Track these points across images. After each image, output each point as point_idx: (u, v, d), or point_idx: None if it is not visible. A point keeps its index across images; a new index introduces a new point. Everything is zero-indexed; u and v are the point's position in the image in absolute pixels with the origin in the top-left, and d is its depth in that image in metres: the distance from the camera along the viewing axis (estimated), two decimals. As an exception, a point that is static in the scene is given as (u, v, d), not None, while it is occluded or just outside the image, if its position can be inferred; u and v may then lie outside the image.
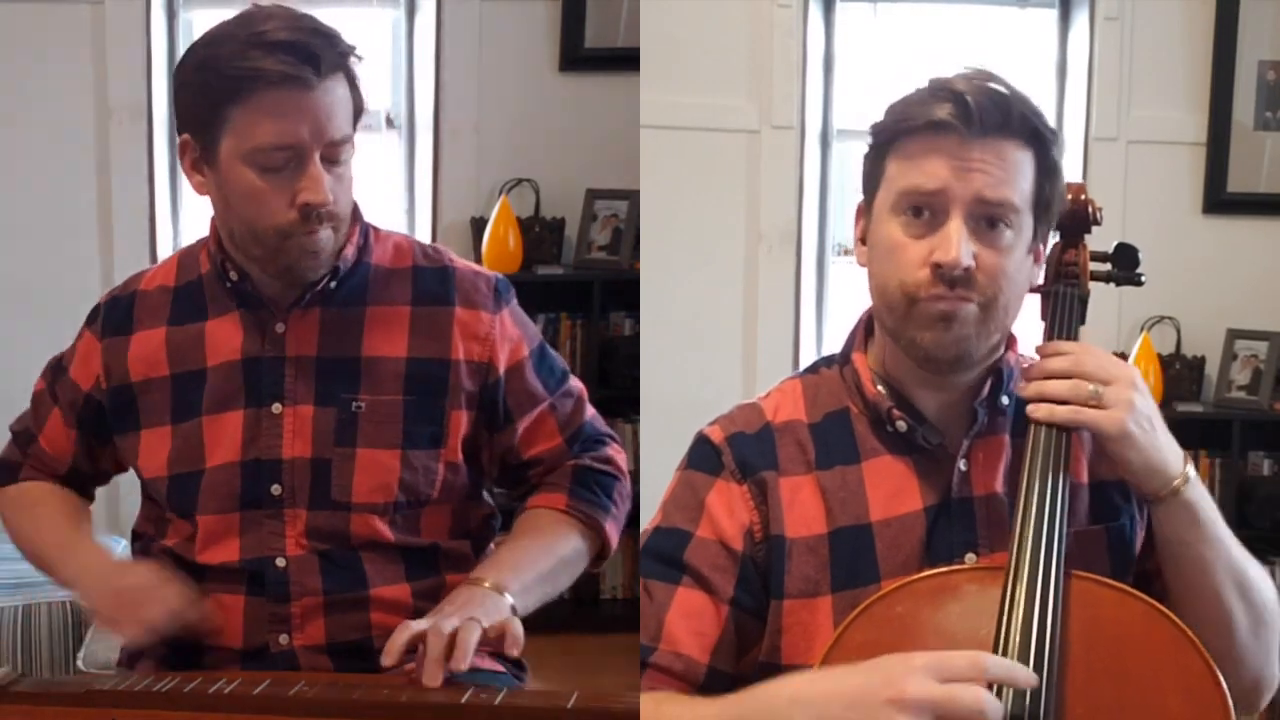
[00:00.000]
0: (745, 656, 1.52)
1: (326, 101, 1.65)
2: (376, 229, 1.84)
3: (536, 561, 1.75)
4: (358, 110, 1.71)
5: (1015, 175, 1.48)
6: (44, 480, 1.92)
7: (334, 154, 1.67)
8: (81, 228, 3.98)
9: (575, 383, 1.90)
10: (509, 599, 1.65)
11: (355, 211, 1.79)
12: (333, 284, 1.75)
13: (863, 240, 1.57)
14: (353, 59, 1.69)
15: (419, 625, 1.57)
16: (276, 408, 1.74)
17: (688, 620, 1.50)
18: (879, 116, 1.54)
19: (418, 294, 1.79)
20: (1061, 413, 1.44)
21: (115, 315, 1.84)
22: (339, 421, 1.74)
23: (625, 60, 3.85)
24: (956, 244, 1.45)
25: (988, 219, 1.47)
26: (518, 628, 1.57)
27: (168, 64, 4.02)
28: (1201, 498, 1.45)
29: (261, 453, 1.73)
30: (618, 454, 1.90)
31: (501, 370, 1.80)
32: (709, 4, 3.90)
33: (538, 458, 1.85)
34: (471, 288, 1.80)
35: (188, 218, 4.11)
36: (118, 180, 3.98)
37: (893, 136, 1.51)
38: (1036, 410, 1.45)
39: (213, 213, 1.76)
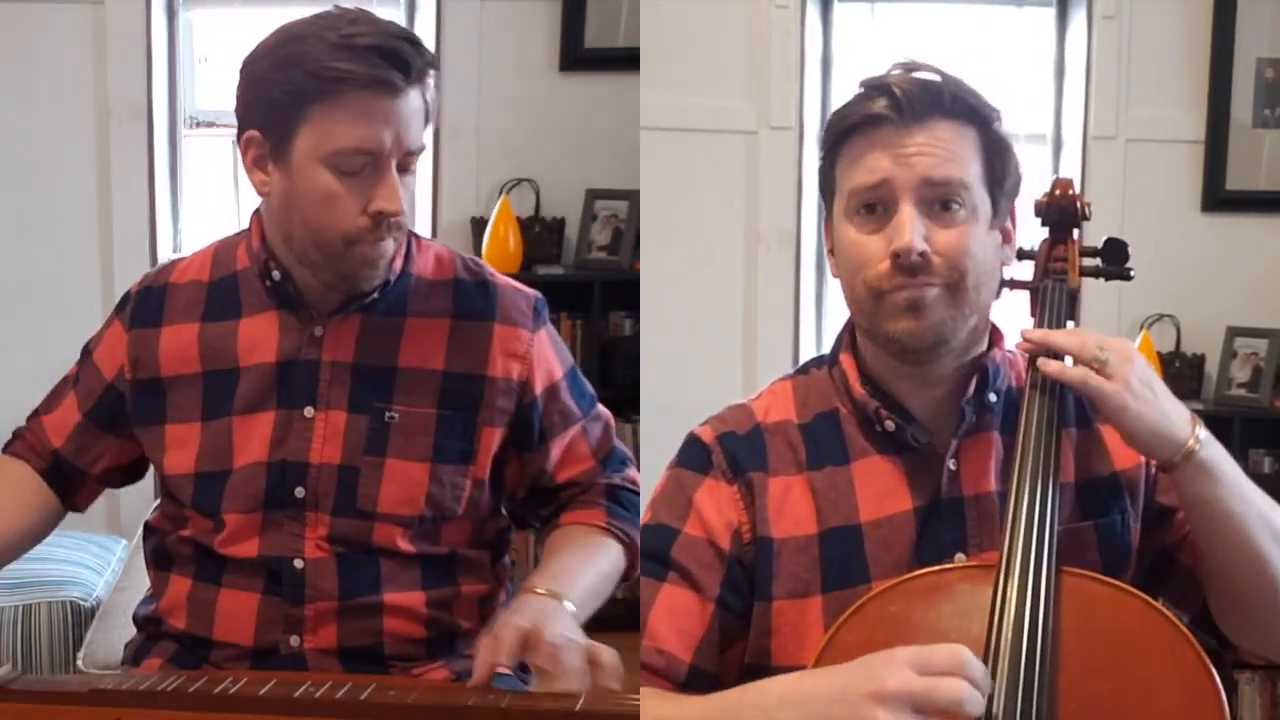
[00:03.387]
0: (725, 655, 1.52)
1: (410, 109, 1.64)
2: (418, 238, 1.83)
3: (587, 574, 1.73)
4: (428, 120, 1.70)
5: (958, 153, 1.50)
6: (22, 463, 1.88)
7: (409, 163, 1.66)
8: (81, 228, 3.97)
9: (603, 408, 1.90)
10: (571, 607, 1.63)
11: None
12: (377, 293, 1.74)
13: (831, 251, 1.58)
14: (435, 67, 1.68)
15: (509, 636, 1.51)
16: (309, 411, 1.73)
17: (672, 617, 1.50)
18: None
19: (458, 307, 1.78)
20: (1072, 374, 1.43)
21: (146, 306, 1.82)
22: (371, 430, 1.73)
23: (625, 60, 3.85)
24: (909, 229, 1.46)
25: (939, 201, 1.49)
26: (609, 657, 1.52)
27: (168, 64, 4.02)
28: (1218, 455, 1.45)
29: (289, 455, 1.73)
30: (637, 475, 1.90)
31: (538, 391, 1.79)
32: (708, 4, 3.91)
33: (572, 480, 1.84)
34: (512, 305, 1.80)
35: (188, 218, 4.11)
36: (118, 180, 3.98)
37: (835, 142, 1.54)
38: (1048, 365, 1.45)
39: (265, 211, 1.74)
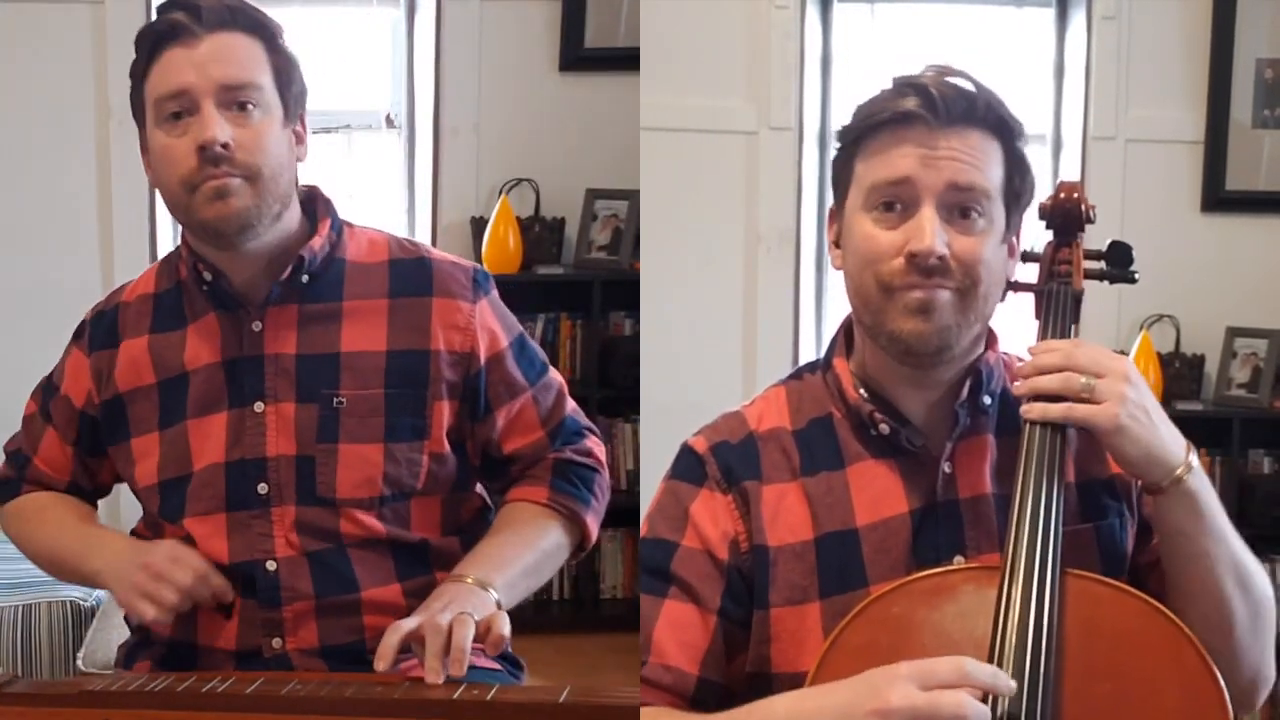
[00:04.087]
0: (732, 664, 1.52)
1: (216, 49, 1.68)
2: (351, 225, 1.84)
3: (520, 556, 1.75)
4: (282, 80, 1.73)
5: (985, 163, 1.49)
6: (45, 490, 1.92)
7: (233, 98, 1.68)
8: (81, 228, 3.98)
9: (555, 375, 1.89)
10: (494, 594, 1.65)
11: (329, 207, 1.80)
12: (304, 278, 1.75)
13: (836, 244, 1.58)
14: (260, 23, 1.72)
15: (409, 624, 1.56)
16: (259, 406, 1.74)
17: (675, 631, 1.50)
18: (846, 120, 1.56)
19: (395, 286, 1.78)
20: (1055, 411, 1.43)
21: (101, 329, 1.84)
22: (321, 418, 1.73)
23: (625, 60, 3.86)
24: (930, 232, 1.46)
25: (960, 207, 1.48)
26: (503, 626, 1.57)
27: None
28: (1203, 488, 1.44)
29: (246, 452, 1.73)
30: (597, 446, 1.90)
31: (483, 360, 1.79)
32: (708, 5, 3.91)
33: (519, 450, 1.84)
34: (449, 278, 1.80)
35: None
36: (118, 180, 3.98)
37: (860, 135, 1.53)
38: (1030, 411, 1.45)
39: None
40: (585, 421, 1.91)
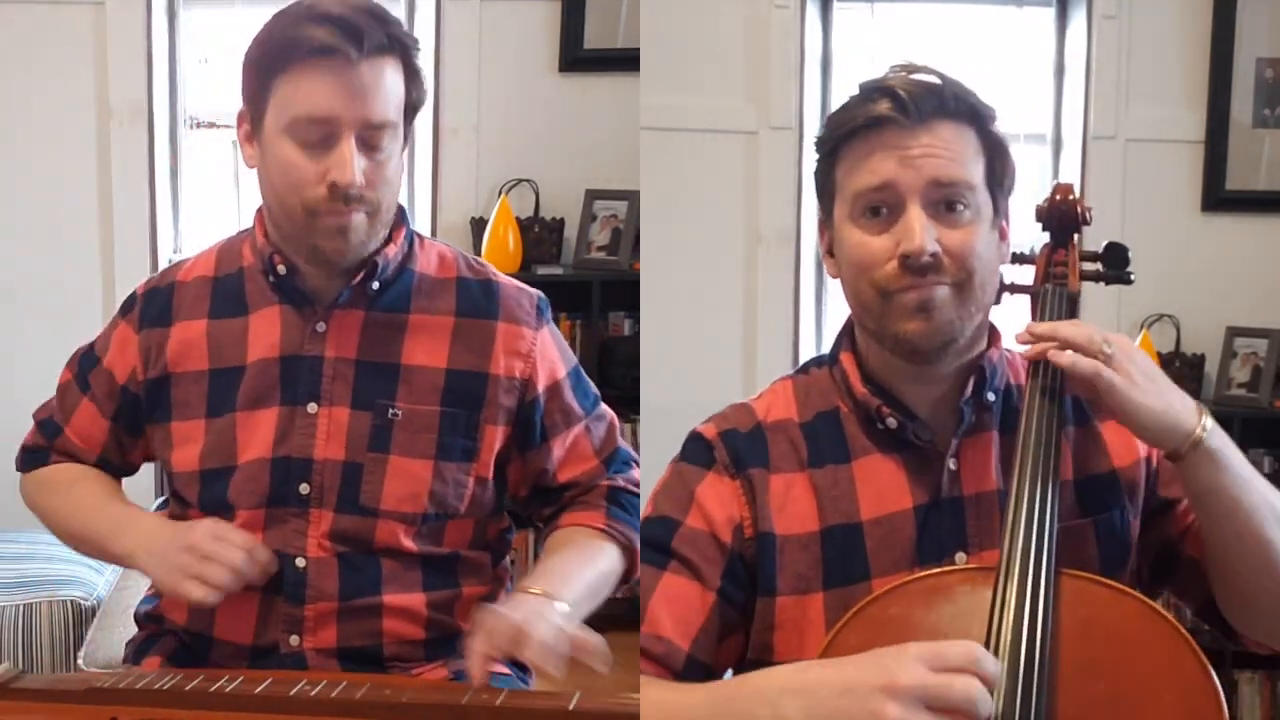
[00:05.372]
0: (721, 648, 1.52)
1: (367, 80, 1.64)
2: (422, 237, 1.83)
3: (584, 575, 1.73)
4: (411, 103, 1.70)
5: (962, 154, 1.50)
6: (74, 462, 1.89)
7: (373, 138, 1.66)
8: (81, 228, 3.98)
9: (606, 408, 1.90)
10: (564, 606, 1.62)
11: (403, 216, 1.78)
12: (375, 285, 1.74)
13: (829, 253, 1.59)
14: (409, 46, 1.69)
15: (501, 629, 1.52)
16: (312, 407, 1.73)
17: (671, 605, 1.50)
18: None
19: (461, 305, 1.78)
20: (1084, 364, 1.42)
21: (153, 307, 1.82)
22: (374, 427, 1.73)
23: (625, 61, 3.86)
24: (919, 231, 1.47)
25: (945, 202, 1.49)
26: (597, 644, 1.53)
27: (168, 64, 4.03)
28: (1224, 444, 1.45)
29: (293, 451, 1.72)
30: (639, 476, 1.89)
31: (540, 389, 1.79)
32: (708, 5, 3.91)
33: (574, 480, 1.84)
34: (515, 303, 1.80)
35: (188, 218, 4.12)
36: (118, 180, 3.98)
37: (836, 144, 1.54)
38: (1060, 356, 1.43)
39: (260, 190, 1.75)
40: (633, 452, 1.91)
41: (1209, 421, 1.44)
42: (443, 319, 1.77)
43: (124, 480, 1.93)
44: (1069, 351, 1.44)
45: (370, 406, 1.73)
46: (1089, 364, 1.42)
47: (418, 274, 1.79)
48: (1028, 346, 1.50)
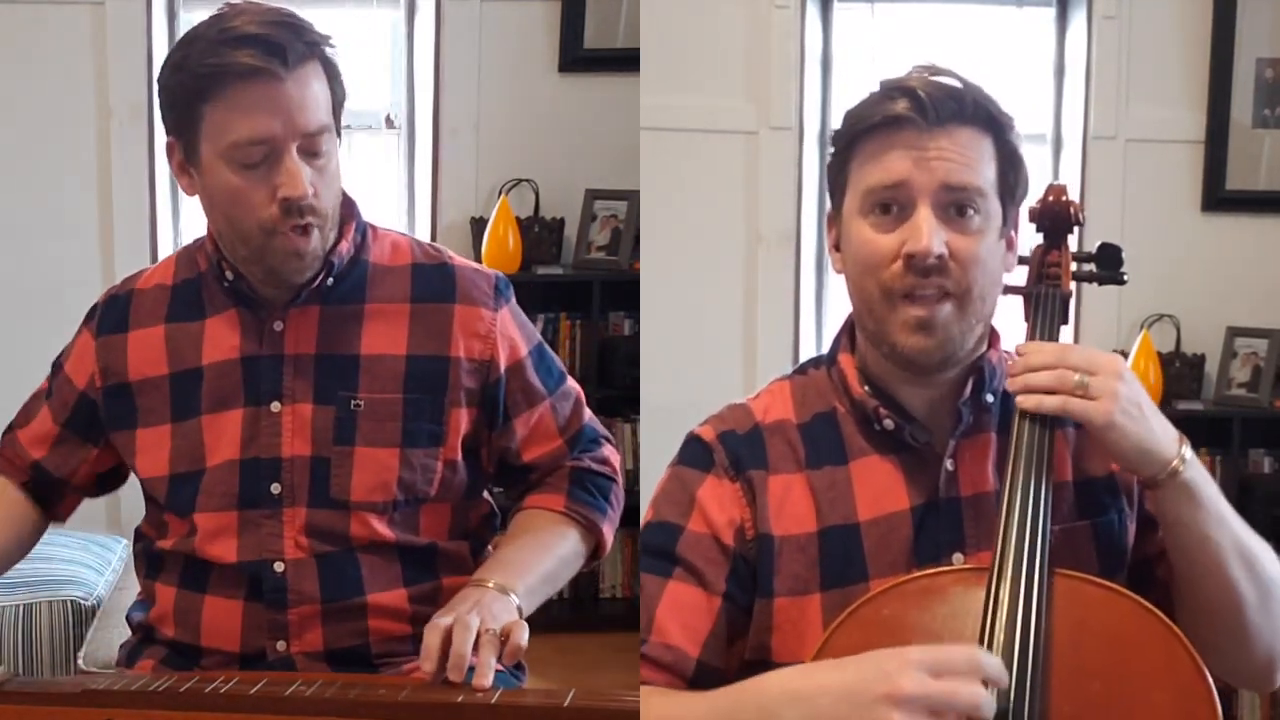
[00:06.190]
0: (730, 650, 1.52)
1: (298, 93, 1.64)
2: (374, 227, 1.83)
3: (539, 562, 1.75)
4: (337, 101, 1.71)
5: (977, 160, 1.50)
6: (1, 478, 1.88)
7: (312, 145, 1.66)
8: (81, 228, 3.98)
9: (573, 384, 1.90)
10: (515, 600, 1.65)
11: (352, 209, 1.79)
12: (329, 280, 1.74)
13: (836, 247, 1.58)
14: (325, 48, 1.69)
15: (445, 622, 1.54)
16: (275, 406, 1.74)
17: (678, 612, 1.50)
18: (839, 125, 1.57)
19: (417, 291, 1.78)
20: (1050, 402, 1.43)
21: (112, 313, 1.83)
22: (338, 420, 1.73)
23: (625, 61, 3.86)
24: (927, 233, 1.46)
25: (955, 206, 1.49)
26: (521, 637, 1.55)
27: (168, 64, 4.03)
28: (1201, 478, 1.45)
29: (261, 451, 1.73)
30: (613, 455, 1.90)
31: (502, 368, 1.80)
32: (708, 5, 3.90)
33: (537, 459, 1.85)
34: (471, 285, 1.80)
35: (188, 218, 4.11)
36: (118, 180, 3.98)
37: (852, 140, 1.53)
38: (1025, 401, 1.45)
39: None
40: (602, 430, 1.91)
41: (1188, 453, 1.44)
42: (399, 306, 1.77)
43: (108, 495, 1.92)
44: (1032, 395, 1.44)
45: (333, 400, 1.74)
46: (1055, 402, 1.42)
47: (371, 264, 1.79)
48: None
